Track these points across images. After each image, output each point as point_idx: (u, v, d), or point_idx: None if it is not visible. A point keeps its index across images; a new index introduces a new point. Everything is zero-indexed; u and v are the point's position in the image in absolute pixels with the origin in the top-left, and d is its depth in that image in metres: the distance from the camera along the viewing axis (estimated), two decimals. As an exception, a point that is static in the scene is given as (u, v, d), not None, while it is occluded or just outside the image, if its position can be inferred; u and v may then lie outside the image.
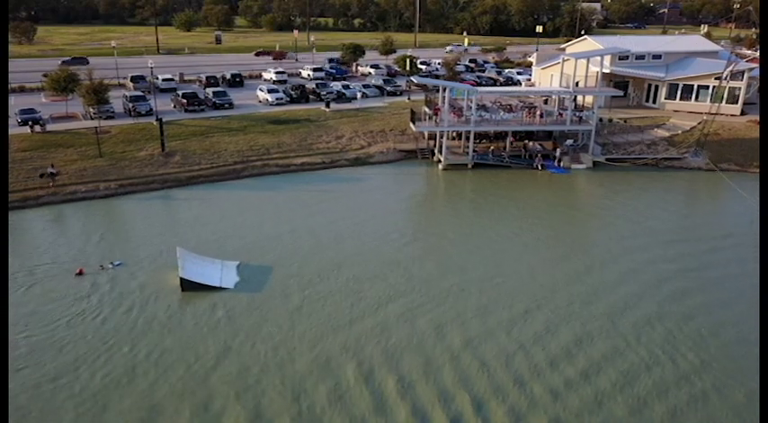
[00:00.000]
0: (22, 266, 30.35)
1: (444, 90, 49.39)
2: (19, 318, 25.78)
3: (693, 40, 73.69)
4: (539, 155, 49.57)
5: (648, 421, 20.53)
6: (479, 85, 71.21)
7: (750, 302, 27.84)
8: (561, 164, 48.93)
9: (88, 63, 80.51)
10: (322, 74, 77.68)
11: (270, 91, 63.43)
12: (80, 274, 29.90)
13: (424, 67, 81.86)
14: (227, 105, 58.94)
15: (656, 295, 28.61)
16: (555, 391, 21.81)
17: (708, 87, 58.30)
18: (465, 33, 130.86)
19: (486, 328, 25.67)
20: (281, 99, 62.48)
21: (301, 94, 63.96)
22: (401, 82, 71.85)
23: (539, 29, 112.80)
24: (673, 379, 22.59)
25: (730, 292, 29.16)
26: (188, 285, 28.15)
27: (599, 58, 54.77)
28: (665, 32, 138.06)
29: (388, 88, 69.52)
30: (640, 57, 62.72)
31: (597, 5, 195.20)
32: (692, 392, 21.91)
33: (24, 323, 25.46)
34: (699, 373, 22.93)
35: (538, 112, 51.85)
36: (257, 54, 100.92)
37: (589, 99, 55.95)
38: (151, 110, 54.84)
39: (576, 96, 52.76)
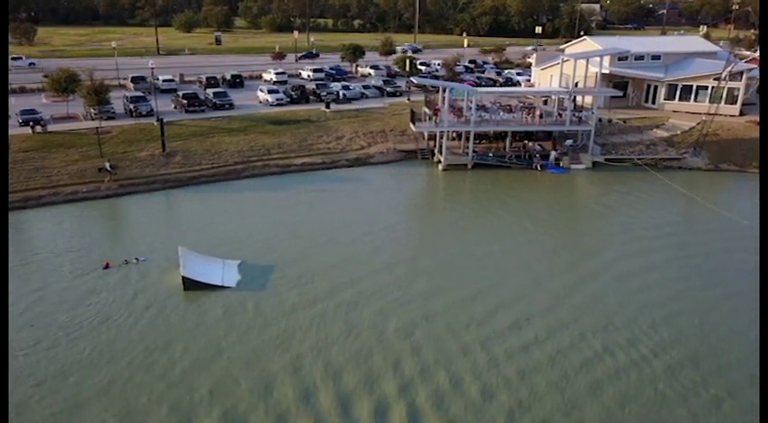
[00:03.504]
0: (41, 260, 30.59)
1: (444, 91, 49.59)
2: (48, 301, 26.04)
3: (692, 41, 73.96)
4: (538, 155, 49.75)
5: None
6: (479, 85, 71.37)
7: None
8: (561, 164, 49.10)
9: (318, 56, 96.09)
10: (322, 74, 77.89)
11: (270, 91, 63.57)
12: (107, 267, 30.56)
13: (423, 67, 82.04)
14: (227, 106, 59.07)
15: (643, 286, 28.96)
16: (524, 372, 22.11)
17: (707, 88, 58.46)
18: (464, 34, 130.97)
19: (483, 321, 25.91)
20: (282, 99, 62.61)
21: (301, 95, 64.14)
22: (401, 82, 72.03)
23: (538, 30, 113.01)
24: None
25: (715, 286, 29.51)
26: (190, 284, 28.29)
27: (598, 58, 54.98)
28: (664, 33, 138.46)
29: (388, 89, 69.67)
30: (639, 57, 62.88)
31: (596, 6, 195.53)
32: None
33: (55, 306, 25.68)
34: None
35: (537, 113, 52.05)
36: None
37: (588, 99, 56.12)
38: (152, 110, 54.97)
39: (575, 97, 52.94)
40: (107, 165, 42.21)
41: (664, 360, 23.78)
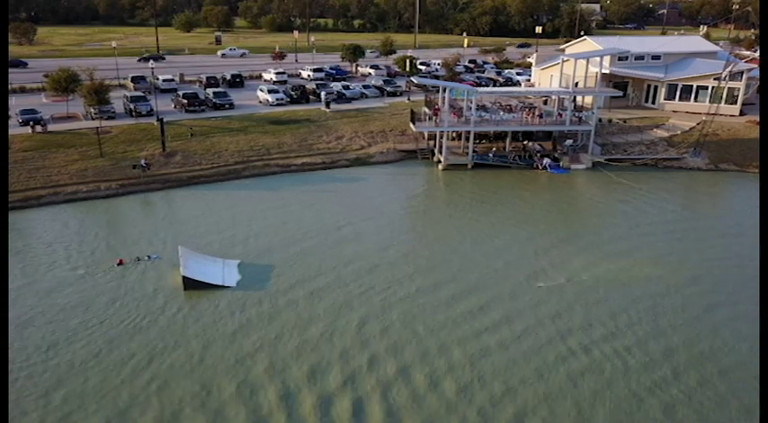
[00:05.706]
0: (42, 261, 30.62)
1: (444, 90, 49.57)
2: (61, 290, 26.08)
3: (692, 41, 73.94)
4: (538, 155, 49.75)
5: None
6: (479, 85, 71.37)
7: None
8: (561, 164, 49.09)
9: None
10: (322, 74, 77.89)
11: (270, 91, 63.59)
12: (120, 264, 30.85)
13: (423, 67, 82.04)
14: (227, 106, 59.07)
15: (643, 287, 28.97)
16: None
17: (707, 88, 58.48)
18: (464, 34, 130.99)
19: (482, 324, 25.94)
20: (282, 99, 62.63)
21: (301, 95, 64.15)
22: (401, 82, 72.05)
23: (538, 30, 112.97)
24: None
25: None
26: (190, 284, 28.28)
27: (598, 58, 54.98)
28: (664, 33, 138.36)
29: (388, 89, 69.69)
30: (639, 57, 62.90)
31: (596, 6, 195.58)
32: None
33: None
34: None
35: (537, 113, 52.05)
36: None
37: (588, 99, 56.13)
38: (152, 110, 54.97)
39: (575, 97, 52.93)
40: (142, 161, 43.35)
41: (670, 364, 23.86)
